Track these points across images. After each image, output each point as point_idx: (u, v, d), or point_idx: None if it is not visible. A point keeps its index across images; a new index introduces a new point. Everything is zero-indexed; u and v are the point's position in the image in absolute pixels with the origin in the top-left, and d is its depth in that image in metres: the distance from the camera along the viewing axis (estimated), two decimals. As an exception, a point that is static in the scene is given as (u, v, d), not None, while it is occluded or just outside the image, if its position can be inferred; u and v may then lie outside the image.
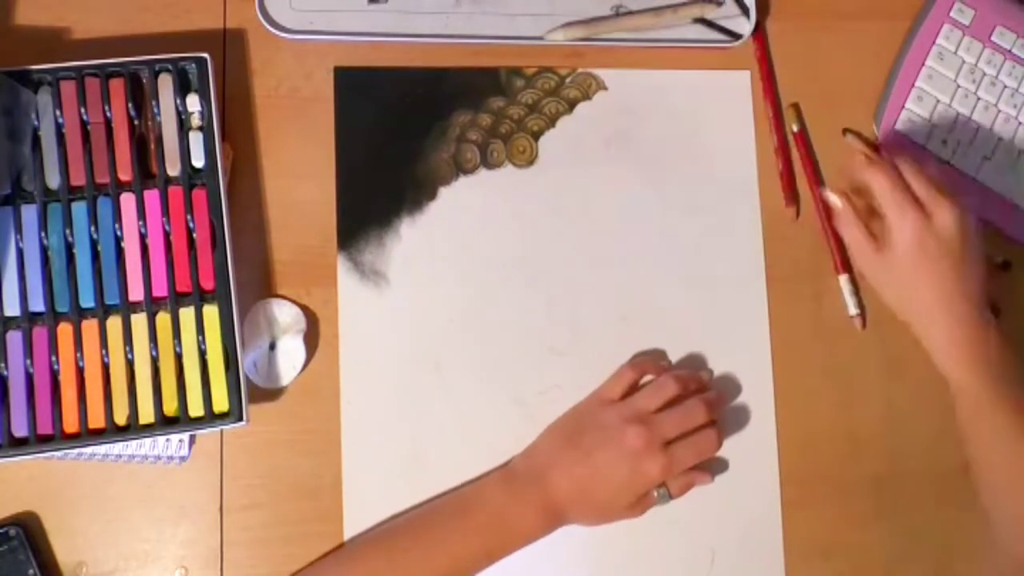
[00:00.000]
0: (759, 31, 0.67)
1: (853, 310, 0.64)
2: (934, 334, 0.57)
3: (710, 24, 0.65)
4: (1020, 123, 0.66)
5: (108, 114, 0.58)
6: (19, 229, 0.56)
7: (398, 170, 0.62)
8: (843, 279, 0.64)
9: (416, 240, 0.62)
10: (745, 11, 0.66)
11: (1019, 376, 0.55)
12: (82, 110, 0.57)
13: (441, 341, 0.61)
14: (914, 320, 0.58)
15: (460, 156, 0.63)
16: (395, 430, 0.60)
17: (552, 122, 0.64)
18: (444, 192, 0.63)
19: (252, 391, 0.57)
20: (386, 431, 0.59)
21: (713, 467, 0.60)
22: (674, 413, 0.57)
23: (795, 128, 0.66)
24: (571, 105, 0.65)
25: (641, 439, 0.55)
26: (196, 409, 0.55)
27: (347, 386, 0.60)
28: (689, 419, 0.57)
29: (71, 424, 0.54)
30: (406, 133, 0.63)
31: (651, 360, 0.61)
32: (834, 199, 0.61)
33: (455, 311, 0.61)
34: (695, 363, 0.63)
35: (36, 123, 0.57)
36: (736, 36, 0.65)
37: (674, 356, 0.63)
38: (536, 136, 0.64)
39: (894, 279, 0.58)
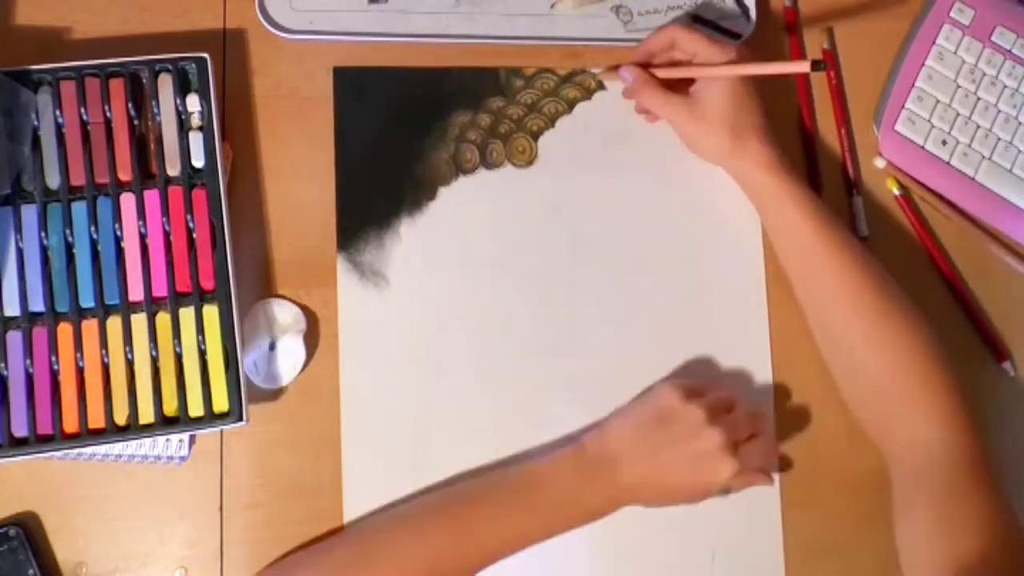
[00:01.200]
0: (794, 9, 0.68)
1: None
2: (760, 155, 0.59)
3: (710, 24, 0.65)
4: (1020, 123, 0.66)
5: (108, 114, 0.58)
6: (19, 229, 0.56)
7: (398, 170, 0.62)
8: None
9: (416, 240, 0.62)
10: (745, 11, 0.66)
11: None
12: (82, 110, 0.57)
13: (441, 341, 0.61)
14: (733, 155, 0.60)
15: (459, 156, 0.63)
16: (395, 429, 0.59)
17: (551, 122, 0.64)
18: (444, 192, 0.63)
19: (252, 391, 0.57)
20: (386, 430, 0.59)
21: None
22: (744, 417, 0.58)
23: (825, 45, 0.67)
24: (570, 105, 0.65)
25: (717, 441, 0.55)
26: (196, 409, 0.55)
27: (347, 386, 0.60)
28: (755, 425, 0.58)
29: (71, 424, 0.54)
30: (406, 133, 0.63)
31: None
32: (626, 75, 0.62)
33: (455, 311, 0.61)
34: (696, 363, 0.63)
35: (36, 123, 0.57)
36: (736, 36, 0.65)
37: (674, 356, 0.63)
38: (535, 136, 0.64)
39: (705, 127, 0.60)
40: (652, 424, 0.57)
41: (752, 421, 0.58)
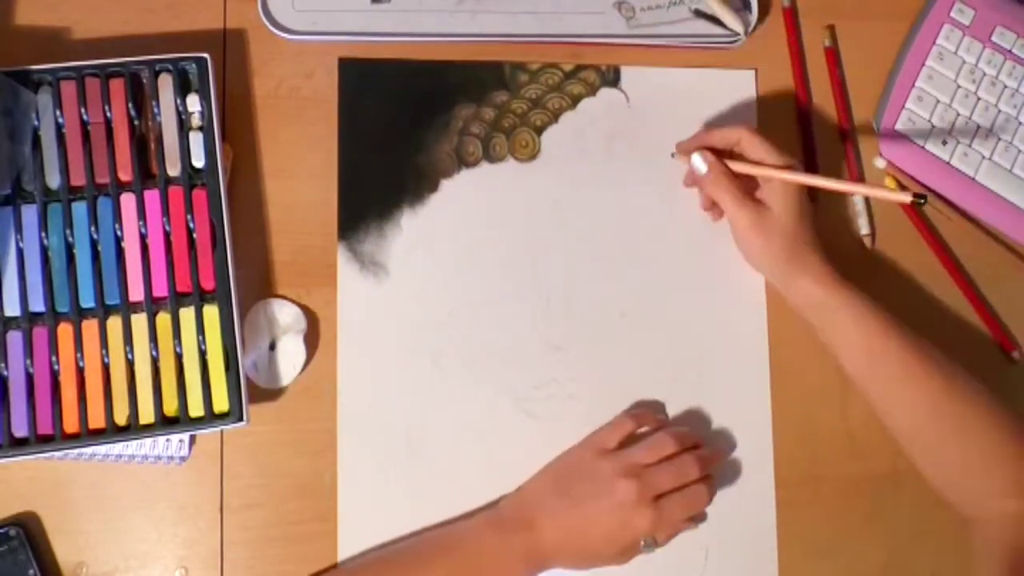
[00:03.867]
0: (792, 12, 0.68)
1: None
2: (816, 268, 0.59)
3: (712, 20, 0.65)
4: (1020, 123, 0.66)
5: (108, 114, 0.58)
6: (19, 229, 0.56)
7: (400, 161, 0.62)
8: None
9: (416, 232, 0.62)
10: (747, 5, 0.66)
11: None
12: (82, 110, 0.57)
13: (440, 334, 0.61)
14: (789, 269, 0.60)
15: (462, 149, 0.63)
16: (392, 424, 0.59)
17: (555, 117, 0.64)
18: (446, 184, 0.63)
19: (252, 391, 0.57)
20: (383, 426, 0.59)
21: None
22: (668, 468, 0.57)
23: (827, 43, 0.67)
24: (574, 101, 0.65)
25: (632, 493, 0.55)
26: (196, 409, 0.55)
27: (344, 378, 0.59)
28: (682, 476, 0.57)
29: (71, 424, 0.54)
30: (409, 125, 0.63)
31: (650, 412, 0.61)
32: (699, 162, 0.61)
33: (454, 304, 0.61)
34: (693, 359, 0.63)
35: (36, 123, 0.57)
36: (739, 32, 0.65)
37: (672, 351, 0.63)
38: (539, 131, 0.64)
39: (767, 237, 0.59)
40: (566, 482, 0.57)
41: (684, 470, 0.57)
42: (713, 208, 0.63)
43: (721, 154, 0.61)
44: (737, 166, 0.60)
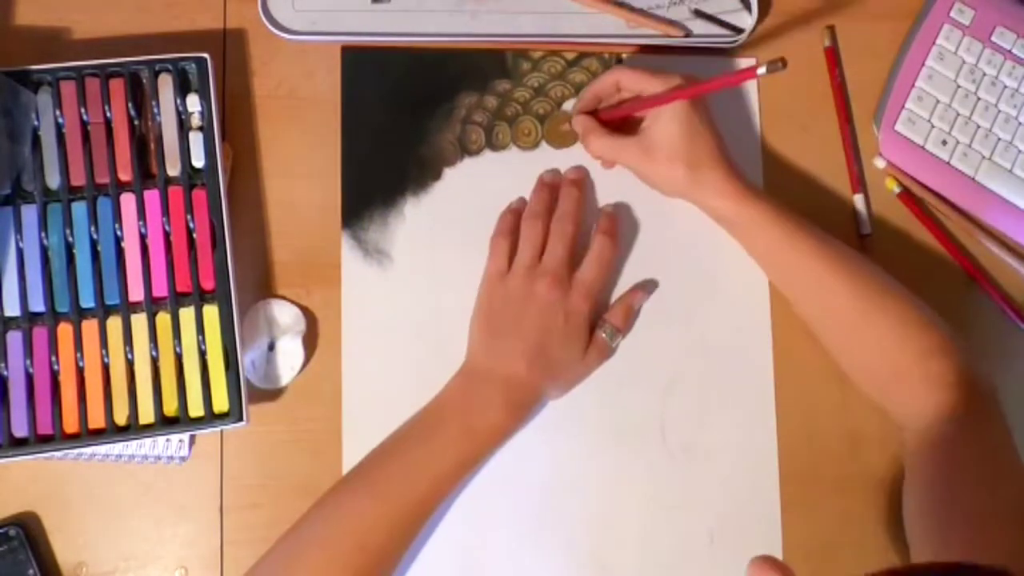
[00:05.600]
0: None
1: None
2: (719, 184, 0.59)
3: (712, 19, 0.65)
4: (1020, 123, 0.66)
5: (108, 114, 0.58)
6: (19, 229, 0.56)
7: (403, 150, 0.62)
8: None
9: (420, 220, 0.62)
10: (746, 5, 0.65)
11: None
12: (82, 110, 0.57)
13: (444, 322, 0.61)
14: (692, 187, 0.59)
15: (465, 138, 0.63)
16: (395, 416, 0.59)
17: (558, 105, 0.64)
18: (449, 173, 0.63)
19: (252, 391, 0.57)
20: (386, 417, 0.59)
21: (713, 457, 0.61)
22: (550, 241, 0.59)
23: (827, 43, 0.67)
24: (577, 89, 0.64)
25: (547, 286, 0.57)
26: (196, 409, 0.55)
27: (349, 367, 0.60)
28: (562, 233, 0.59)
29: (71, 424, 0.54)
30: (412, 114, 0.63)
31: (509, 212, 0.62)
32: (575, 124, 0.62)
33: (458, 292, 0.61)
34: (696, 355, 0.63)
35: (36, 123, 0.57)
36: (738, 31, 0.65)
37: (676, 344, 0.63)
38: (542, 119, 0.64)
39: (657, 163, 0.59)
40: (497, 321, 0.59)
41: (559, 227, 0.59)
42: (602, 158, 0.64)
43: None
44: (607, 113, 0.61)
